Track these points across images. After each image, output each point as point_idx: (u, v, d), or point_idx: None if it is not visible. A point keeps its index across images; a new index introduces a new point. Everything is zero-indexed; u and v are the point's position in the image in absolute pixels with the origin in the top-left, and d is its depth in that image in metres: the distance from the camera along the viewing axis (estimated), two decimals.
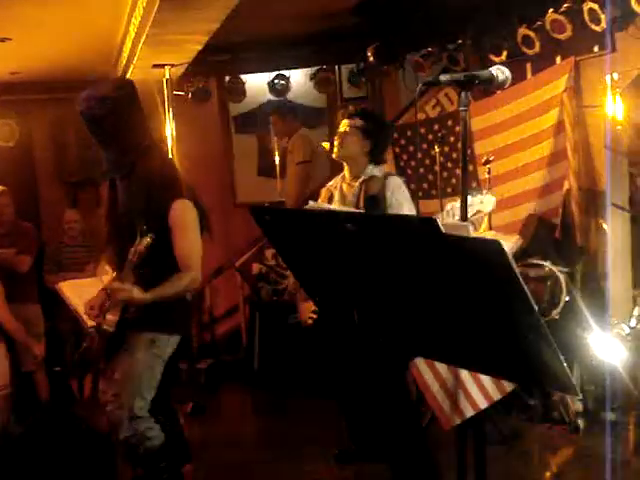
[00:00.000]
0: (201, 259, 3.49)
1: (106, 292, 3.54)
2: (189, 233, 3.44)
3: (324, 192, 4.37)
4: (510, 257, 1.50)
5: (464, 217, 2.14)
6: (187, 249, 3.42)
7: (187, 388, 6.14)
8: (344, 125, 4.18)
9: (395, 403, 3.91)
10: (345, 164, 4.24)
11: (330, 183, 4.38)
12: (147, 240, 3.29)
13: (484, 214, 3.42)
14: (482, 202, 3.47)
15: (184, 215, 3.42)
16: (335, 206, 4.19)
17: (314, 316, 4.01)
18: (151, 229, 3.32)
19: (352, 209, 4.09)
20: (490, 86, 2.30)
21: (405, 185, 4.15)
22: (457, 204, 3.39)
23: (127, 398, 3.42)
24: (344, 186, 4.24)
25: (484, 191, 3.54)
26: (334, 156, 4.23)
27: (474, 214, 3.37)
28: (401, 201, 4.04)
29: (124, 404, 3.41)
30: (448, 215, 3.50)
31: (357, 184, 4.13)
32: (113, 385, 3.46)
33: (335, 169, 4.67)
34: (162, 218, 3.38)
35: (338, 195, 4.24)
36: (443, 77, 2.27)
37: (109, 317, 3.42)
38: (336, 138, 4.21)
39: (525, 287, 1.50)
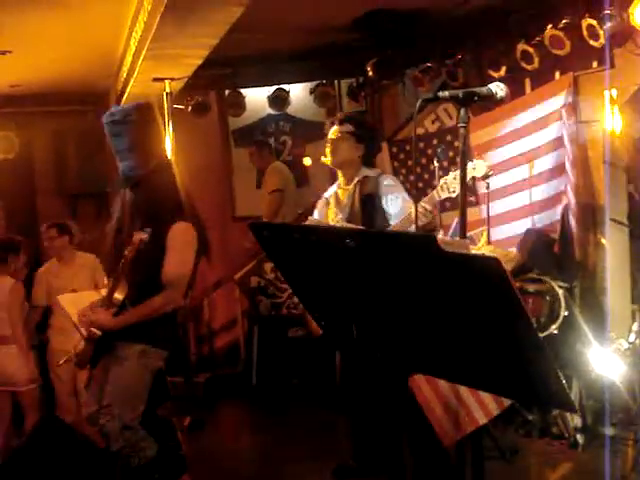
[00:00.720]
0: (186, 282, 3.59)
1: (100, 302, 3.59)
2: (180, 254, 3.52)
3: (321, 203, 4.42)
4: (509, 274, 1.50)
5: (463, 234, 2.14)
6: (173, 269, 3.50)
7: (185, 402, 6.12)
8: (335, 132, 4.23)
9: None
10: (339, 171, 4.29)
11: (326, 193, 4.42)
12: (142, 235, 3.34)
13: (479, 178, 3.53)
14: (474, 168, 3.56)
15: (182, 237, 3.52)
16: (331, 211, 4.28)
17: None
18: (150, 237, 3.39)
19: (347, 212, 4.17)
20: (489, 102, 2.31)
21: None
22: (450, 177, 3.66)
23: (119, 409, 3.44)
24: (339, 192, 4.30)
25: (473, 159, 3.66)
26: (328, 163, 4.27)
27: (469, 180, 3.52)
28: (397, 195, 4.11)
29: (116, 415, 3.43)
30: (443, 190, 3.65)
31: (352, 186, 4.19)
32: (104, 396, 3.48)
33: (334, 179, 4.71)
34: (161, 236, 3.46)
35: (333, 200, 4.29)
36: (442, 93, 2.28)
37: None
38: (327, 146, 4.24)
39: (524, 304, 1.50)
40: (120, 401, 3.45)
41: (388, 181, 4.19)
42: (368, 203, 4.11)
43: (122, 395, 3.47)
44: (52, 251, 5.59)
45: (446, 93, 2.27)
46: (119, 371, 3.49)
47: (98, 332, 3.48)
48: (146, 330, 3.50)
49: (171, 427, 4.49)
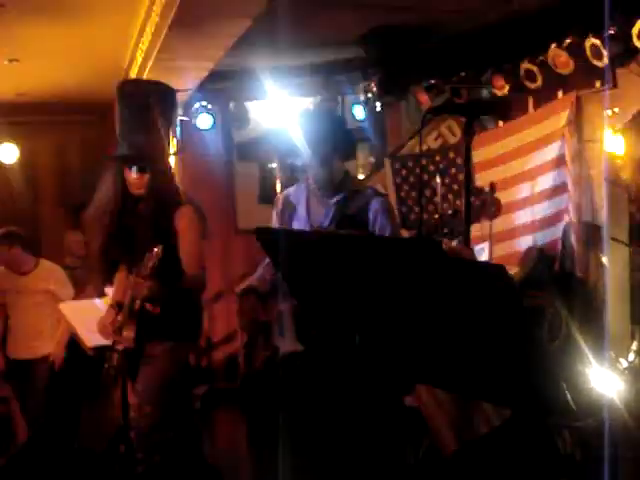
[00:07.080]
0: (203, 260, 3.54)
1: (115, 308, 3.53)
2: (192, 239, 3.47)
3: (280, 202, 3.47)
4: (514, 282, 1.51)
5: (467, 242, 2.15)
6: (192, 258, 3.44)
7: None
8: None
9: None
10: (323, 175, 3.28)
11: (290, 191, 3.48)
12: (159, 248, 3.23)
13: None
14: None
15: (189, 221, 3.47)
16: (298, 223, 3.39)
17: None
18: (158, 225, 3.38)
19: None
20: (493, 111, 2.32)
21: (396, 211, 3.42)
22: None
23: (151, 408, 3.41)
24: (313, 200, 3.34)
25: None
26: None
27: None
28: (386, 223, 3.16)
29: (148, 414, 3.41)
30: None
31: (332, 203, 3.24)
32: (135, 396, 3.46)
33: None
34: (169, 219, 3.42)
35: (304, 211, 3.33)
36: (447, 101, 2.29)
37: (126, 334, 3.38)
38: None
39: (527, 311, 1.51)
40: (151, 400, 3.42)
41: (382, 204, 3.20)
42: (348, 225, 3.13)
43: (153, 394, 3.43)
44: None
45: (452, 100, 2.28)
46: (149, 370, 3.46)
47: (130, 345, 3.35)
48: (172, 328, 3.45)
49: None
